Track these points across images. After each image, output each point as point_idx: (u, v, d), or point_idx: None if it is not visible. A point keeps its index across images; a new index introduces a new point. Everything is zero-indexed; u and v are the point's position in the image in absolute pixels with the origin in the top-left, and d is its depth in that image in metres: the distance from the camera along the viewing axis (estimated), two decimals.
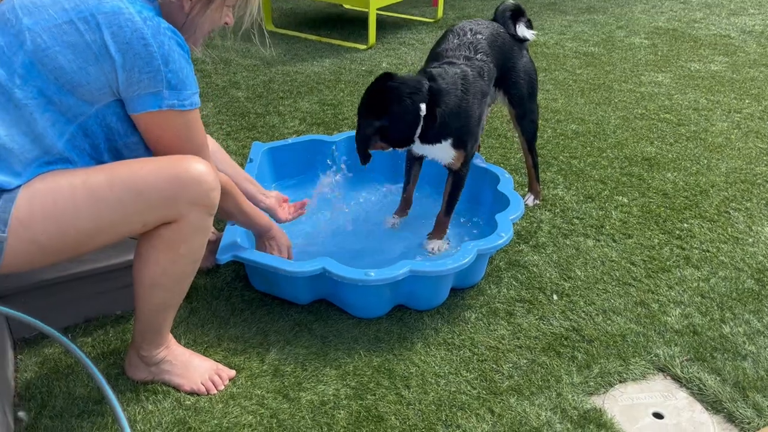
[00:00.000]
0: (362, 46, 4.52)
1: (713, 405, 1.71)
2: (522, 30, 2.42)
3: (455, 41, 2.23)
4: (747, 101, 3.68)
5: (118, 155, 1.51)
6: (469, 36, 2.24)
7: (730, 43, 4.76)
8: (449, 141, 2.08)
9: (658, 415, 1.69)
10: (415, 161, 2.34)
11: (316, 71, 4.06)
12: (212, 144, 2.02)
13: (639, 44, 4.73)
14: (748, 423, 1.65)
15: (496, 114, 3.46)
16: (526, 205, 2.55)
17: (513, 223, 2.12)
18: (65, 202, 1.37)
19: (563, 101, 3.66)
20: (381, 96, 1.99)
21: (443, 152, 2.12)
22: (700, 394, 1.74)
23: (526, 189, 2.71)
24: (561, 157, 2.99)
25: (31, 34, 1.35)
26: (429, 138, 2.06)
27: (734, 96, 3.75)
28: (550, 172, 2.86)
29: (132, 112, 1.44)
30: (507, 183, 2.33)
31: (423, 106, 1.98)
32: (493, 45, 2.28)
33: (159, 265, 1.52)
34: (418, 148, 2.12)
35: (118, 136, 1.48)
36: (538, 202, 2.60)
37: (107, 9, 1.36)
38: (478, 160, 2.52)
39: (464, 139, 2.10)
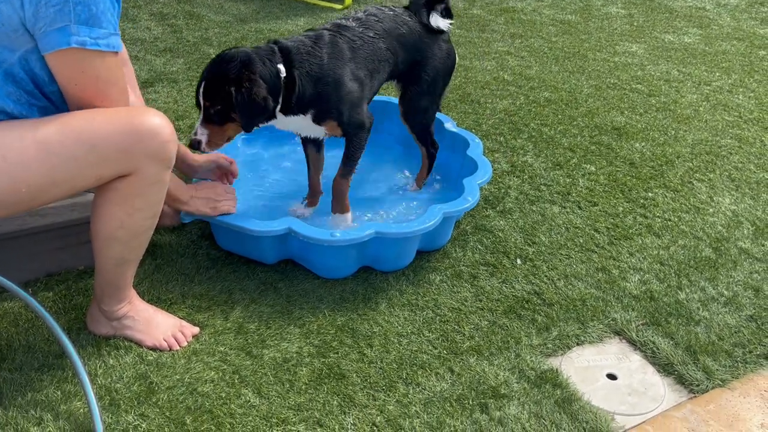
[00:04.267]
0: (338, 6, 4.45)
1: (665, 367, 1.77)
2: (435, 20, 2.16)
3: (343, 20, 2.08)
4: (717, 74, 3.71)
5: (51, 102, 1.45)
6: (360, 14, 2.11)
7: (705, 16, 4.78)
8: (311, 114, 1.95)
9: (611, 376, 1.74)
10: (309, 144, 2.17)
11: (290, 30, 3.99)
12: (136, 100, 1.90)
13: (615, 14, 4.72)
14: (697, 385, 1.71)
15: (470, 80, 3.45)
16: (405, 189, 2.40)
17: (480, 188, 2.13)
18: (15, 155, 1.32)
19: (537, 69, 3.66)
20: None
21: (308, 126, 1.99)
22: (653, 357, 1.80)
23: (496, 154, 2.72)
24: (532, 125, 3.01)
25: None
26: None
27: (705, 68, 3.79)
28: (520, 139, 2.87)
29: (43, 52, 1.33)
30: (476, 148, 2.34)
31: (281, 67, 1.86)
32: (393, 31, 2.10)
33: (115, 219, 1.50)
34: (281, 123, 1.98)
35: (43, 84, 1.42)
36: (417, 189, 2.39)
37: None
38: (449, 125, 2.52)
39: (325, 109, 1.95)
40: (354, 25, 2.07)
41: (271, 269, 2.02)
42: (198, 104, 1.85)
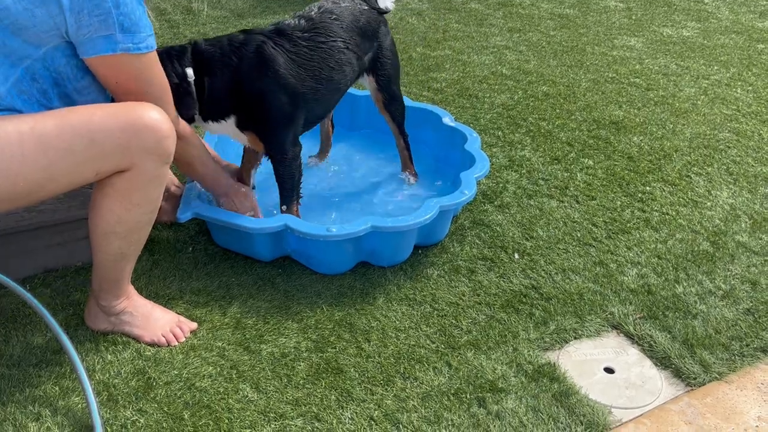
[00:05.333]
0: None
1: (662, 361, 1.77)
2: (384, 0, 2.17)
3: (292, 20, 1.98)
4: (716, 68, 3.71)
5: (69, 101, 1.47)
6: (313, 14, 1.98)
7: (703, 9, 4.77)
8: (233, 119, 1.88)
9: (609, 370, 1.74)
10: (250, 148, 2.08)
11: None
12: None
13: (614, 7, 4.72)
14: (694, 378, 1.72)
15: (468, 74, 3.45)
16: (405, 183, 2.40)
17: (478, 182, 2.13)
18: (12, 149, 1.33)
19: (536, 63, 3.66)
20: None
21: (233, 132, 1.94)
22: (650, 350, 1.80)
23: (494, 149, 2.72)
24: (530, 119, 3.00)
25: None
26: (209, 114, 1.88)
27: (703, 62, 3.78)
28: (518, 133, 2.87)
29: (84, 55, 1.41)
30: (474, 142, 2.33)
31: (190, 71, 1.79)
32: (353, 28, 2.03)
33: (113, 214, 1.50)
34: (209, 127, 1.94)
35: (68, 80, 1.45)
36: (416, 180, 2.41)
37: None
38: (447, 119, 2.52)
39: (256, 123, 1.89)
40: (302, 27, 1.93)
41: (269, 265, 2.02)
42: None
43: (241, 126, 1.91)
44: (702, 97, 3.34)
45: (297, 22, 1.95)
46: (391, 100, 2.26)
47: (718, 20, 4.55)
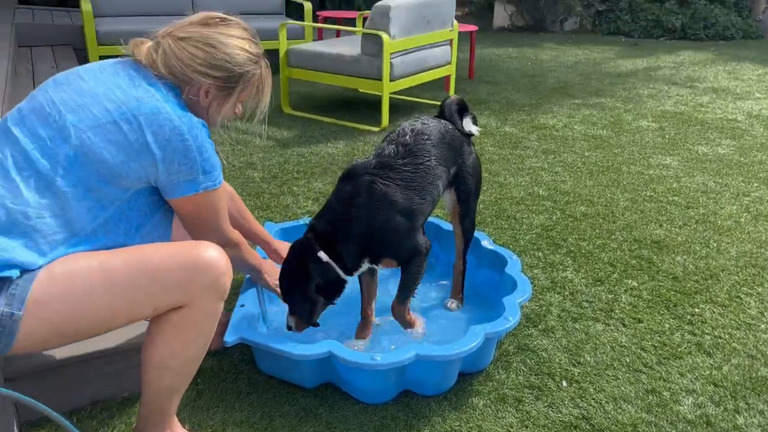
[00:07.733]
0: (375, 128, 4.66)
1: None
2: (468, 125, 2.35)
3: (390, 148, 2.10)
4: (755, 184, 3.71)
5: (145, 234, 1.60)
6: (408, 138, 2.12)
7: (737, 127, 4.84)
8: (366, 260, 2.04)
9: None
10: (365, 273, 2.16)
11: (330, 152, 4.18)
12: (229, 190, 2.11)
13: (647, 127, 4.82)
14: None
15: (505, 196, 3.52)
16: (448, 308, 2.41)
17: (520, 306, 2.12)
18: (82, 283, 1.41)
19: (572, 183, 3.72)
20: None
21: (368, 269, 2.10)
22: None
23: (535, 270, 2.71)
24: (570, 239, 3.01)
25: (76, 131, 1.46)
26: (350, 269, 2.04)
27: (742, 179, 3.79)
28: (558, 254, 2.87)
29: (170, 197, 1.57)
30: (514, 265, 2.34)
31: (322, 254, 1.98)
32: (441, 144, 2.18)
33: (168, 349, 1.54)
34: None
35: (145, 216, 1.58)
36: (461, 306, 2.42)
37: (147, 110, 1.49)
38: (486, 242, 2.55)
39: (378, 253, 2.04)
40: (401, 153, 2.08)
41: (311, 394, 2.00)
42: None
43: (375, 262, 2.07)
44: (744, 214, 3.31)
45: (396, 149, 2.11)
46: (466, 215, 2.35)
47: (753, 137, 4.59)
